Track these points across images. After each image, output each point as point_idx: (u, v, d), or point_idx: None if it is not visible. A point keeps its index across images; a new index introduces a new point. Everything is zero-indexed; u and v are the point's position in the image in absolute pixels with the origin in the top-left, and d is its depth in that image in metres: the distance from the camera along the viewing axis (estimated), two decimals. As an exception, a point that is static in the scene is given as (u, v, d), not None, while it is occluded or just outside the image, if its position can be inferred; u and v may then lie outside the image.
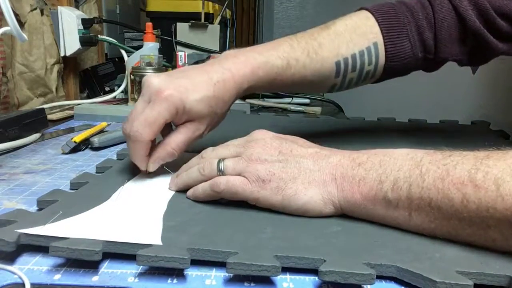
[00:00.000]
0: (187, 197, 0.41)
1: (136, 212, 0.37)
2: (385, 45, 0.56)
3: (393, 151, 0.36)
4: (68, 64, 1.09)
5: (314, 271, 0.30)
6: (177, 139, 0.44)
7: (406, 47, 0.57)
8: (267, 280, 0.30)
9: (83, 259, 0.29)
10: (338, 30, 0.55)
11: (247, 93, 0.50)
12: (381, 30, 0.56)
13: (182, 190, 0.42)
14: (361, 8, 0.59)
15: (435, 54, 0.58)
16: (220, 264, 0.30)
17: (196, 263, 0.30)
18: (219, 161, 0.39)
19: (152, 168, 0.45)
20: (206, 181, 0.39)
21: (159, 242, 0.31)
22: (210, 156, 0.42)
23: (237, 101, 1.03)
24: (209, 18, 1.25)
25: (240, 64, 0.48)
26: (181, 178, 0.42)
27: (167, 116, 0.42)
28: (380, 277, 0.30)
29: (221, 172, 0.39)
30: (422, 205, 0.32)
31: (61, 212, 0.35)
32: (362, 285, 0.29)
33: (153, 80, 0.43)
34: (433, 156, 0.33)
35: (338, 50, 0.54)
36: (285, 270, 0.30)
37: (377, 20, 0.57)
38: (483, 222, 0.30)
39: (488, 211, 0.30)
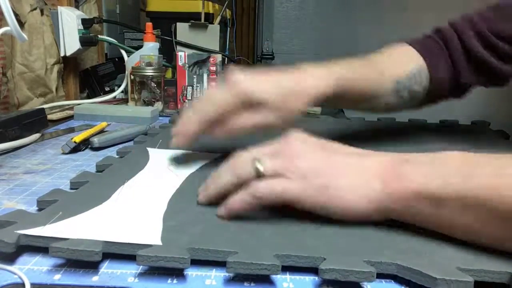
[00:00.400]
0: (218, 216, 0.36)
1: (136, 212, 0.37)
2: (428, 70, 0.60)
3: (444, 153, 0.34)
4: (68, 64, 1.09)
5: (314, 270, 0.30)
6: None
7: (444, 73, 0.61)
8: (267, 280, 0.30)
9: (83, 260, 0.29)
10: (390, 56, 0.60)
11: (320, 102, 0.50)
12: (423, 57, 0.60)
13: (183, 192, 0.42)
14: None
15: (461, 80, 0.61)
16: (220, 264, 0.30)
17: (196, 263, 0.30)
18: (254, 161, 0.36)
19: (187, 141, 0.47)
20: (241, 186, 0.35)
21: (159, 242, 0.31)
22: (243, 157, 0.38)
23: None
24: (209, 18, 1.25)
25: (321, 73, 0.50)
26: (211, 187, 0.38)
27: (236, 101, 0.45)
28: (380, 276, 0.30)
29: (258, 173, 0.35)
30: (473, 204, 0.30)
31: (61, 212, 0.35)
32: (362, 283, 0.29)
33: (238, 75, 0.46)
34: (484, 156, 0.32)
35: (395, 71, 0.57)
36: (285, 269, 0.30)
37: (415, 48, 0.61)
38: None
39: None
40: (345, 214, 0.34)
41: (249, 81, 0.46)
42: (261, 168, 0.35)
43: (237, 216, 0.36)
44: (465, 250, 0.31)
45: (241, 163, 0.37)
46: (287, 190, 0.34)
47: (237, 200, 0.35)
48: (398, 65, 0.58)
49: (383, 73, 0.56)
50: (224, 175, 0.38)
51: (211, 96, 0.46)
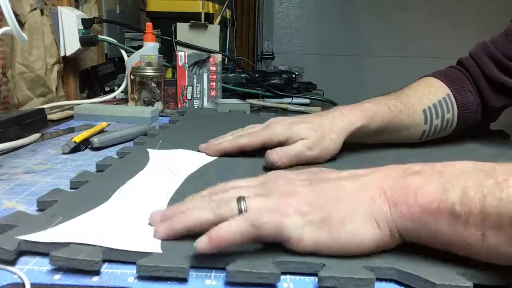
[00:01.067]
0: (198, 250, 0.29)
1: (136, 215, 0.37)
2: (454, 97, 0.63)
3: (453, 162, 0.30)
4: (68, 64, 1.09)
5: (313, 275, 0.30)
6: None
7: (470, 98, 0.64)
8: (267, 280, 0.30)
9: (83, 269, 0.29)
10: (416, 88, 0.63)
11: (358, 136, 0.56)
12: (448, 86, 0.64)
13: (183, 193, 0.42)
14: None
15: (489, 104, 0.65)
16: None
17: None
18: (238, 200, 0.31)
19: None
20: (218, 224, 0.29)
21: (159, 250, 0.31)
22: (226, 194, 0.33)
23: (237, 101, 1.02)
24: (209, 18, 1.25)
25: (351, 109, 0.56)
26: (182, 219, 0.32)
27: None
28: (380, 279, 0.30)
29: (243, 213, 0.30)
30: (500, 222, 0.26)
31: (61, 217, 0.34)
32: (362, 286, 0.29)
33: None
34: (507, 166, 0.28)
35: (423, 101, 0.61)
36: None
37: (442, 80, 0.64)
38: None
39: None
40: (353, 245, 0.30)
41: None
42: (245, 209, 0.31)
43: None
44: (464, 256, 0.31)
45: (223, 200, 0.32)
46: (288, 225, 0.30)
47: (234, 227, 0.29)
48: (425, 95, 0.61)
49: (410, 104, 0.59)
50: (200, 210, 0.32)
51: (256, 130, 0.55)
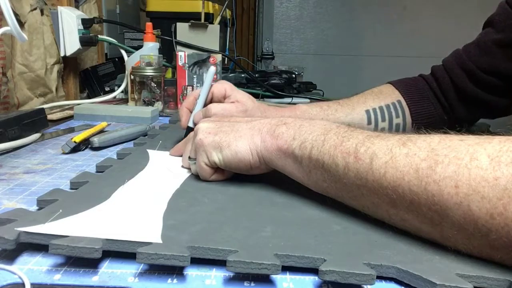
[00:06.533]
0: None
1: (136, 211, 0.37)
2: (408, 105, 0.65)
3: (316, 120, 0.41)
4: (68, 64, 1.09)
5: (314, 270, 0.30)
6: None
7: (429, 108, 0.66)
8: (267, 279, 0.30)
9: (83, 257, 0.29)
10: (363, 93, 0.66)
11: None
12: (401, 94, 0.67)
13: (183, 193, 0.43)
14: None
15: (455, 115, 0.67)
16: (220, 264, 0.30)
17: (196, 262, 0.30)
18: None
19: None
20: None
21: (159, 240, 0.31)
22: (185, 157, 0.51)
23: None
24: (209, 18, 1.25)
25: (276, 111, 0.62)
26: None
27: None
28: (380, 277, 0.30)
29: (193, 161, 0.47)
30: (318, 165, 0.37)
31: (61, 210, 0.35)
32: (362, 285, 0.29)
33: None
34: (340, 129, 0.38)
35: (366, 102, 0.64)
36: (285, 269, 0.30)
37: (396, 87, 0.67)
38: (359, 190, 0.34)
39: (361, 180, 0.34)
40: (235, 160, 0.43)
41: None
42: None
43: (237, 215, 0.37)
44: (465, 256, 0.31)
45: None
46: (199, 156, 0.45)
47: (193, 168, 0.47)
48: (369, 99, 0.65)
49: (348, 104, 0.63)
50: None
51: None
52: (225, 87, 0.60)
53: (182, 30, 1.09)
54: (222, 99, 0.60)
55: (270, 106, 0.64)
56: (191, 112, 0.59)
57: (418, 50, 2.42)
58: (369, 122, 0.63)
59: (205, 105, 0.59)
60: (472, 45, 0.66)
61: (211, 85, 0.59)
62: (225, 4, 1.29)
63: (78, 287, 0.28)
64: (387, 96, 0.66)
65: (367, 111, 0.63)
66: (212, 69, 0.59)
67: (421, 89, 0.68)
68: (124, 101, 1.02)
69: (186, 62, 0.91)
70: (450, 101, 0.66)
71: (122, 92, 1.03)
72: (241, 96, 0.60)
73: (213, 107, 0.57)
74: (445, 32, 2.38)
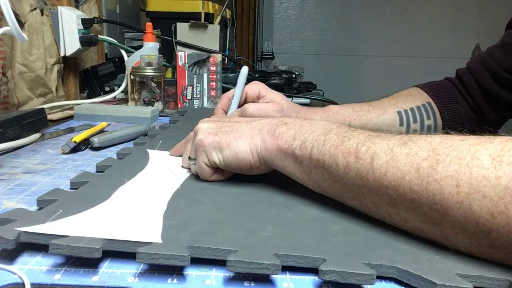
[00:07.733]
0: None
1: (136, 211, 0.37)
2: (437, 107, 0.65)
3: (316, 121, 0.42)
4: (68, 64, 1.09)
5: (314, 270, 0.30)
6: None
7: (459, 109, 0.66)
8: (267, 279, 0.30)
9: (83, 257, 0.29)
10: (393, 95, 0.66)
11: None
12: (430, 96, 0.66)
13: (183, 193, 0.43)
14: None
15: (486, 116, 0.67)
16: (220, 264, 0.30)
17: (196, 262, 0.30)
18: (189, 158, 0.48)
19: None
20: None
21: (159, 240, 0.31)
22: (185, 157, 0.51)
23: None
24: (209, 18, 1.25)
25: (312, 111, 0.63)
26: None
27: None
28: (380, 277, 0.30)
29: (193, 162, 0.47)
30: (318, 165, 0.37)
31: (61, 210, 0.35)
32: (362, 285, 0.29)
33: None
34: (341, 129, 0.38)
35: (397, 104, 0.63)
36: (285, 269, 0.30)
37: (424, 90, 0.67)
38: (359, 189, 0.34)
39: (362, 180, 0.34)
40: (235, 160, 0.43)
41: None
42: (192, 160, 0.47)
43: (237, 215, 0.37)
44: (466, 256, 0.31)
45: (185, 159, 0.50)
46: (199, 156, 0.45)
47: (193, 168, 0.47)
48: (401, 100, 0.64)
49: (380, 106, 0.63)
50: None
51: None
52: (258, 87, 0.60)
53: (182, 30, 1.09)
54: (256, 99, 0.61)
55: (303, 107, 0.65)
56: (226, 113, 0.59)
57: (418, 50, 2.42)
58: (401, 124, 0.63)
59: (240, 105, 0.59)
60: (496, 47, 0.67)
61: (244, 86, 0.59)
62: (225, 4, 1.29)
63: (78, 287, 0.28)
64: (417, 98, 0.66)
65: (399, 112, 0.63)
66: (245, 69, 0.60)
67: (449, 91, 0.68)
68: (124, 101, 1.02)
69: (186, 62, 0.91)
70: (477, 102, 0.67)
71: (122, 92, 1.03)
72: (276, 96, 0.60)
73: (250, 107, 0.57)
74: (445, 33, 2.38)
